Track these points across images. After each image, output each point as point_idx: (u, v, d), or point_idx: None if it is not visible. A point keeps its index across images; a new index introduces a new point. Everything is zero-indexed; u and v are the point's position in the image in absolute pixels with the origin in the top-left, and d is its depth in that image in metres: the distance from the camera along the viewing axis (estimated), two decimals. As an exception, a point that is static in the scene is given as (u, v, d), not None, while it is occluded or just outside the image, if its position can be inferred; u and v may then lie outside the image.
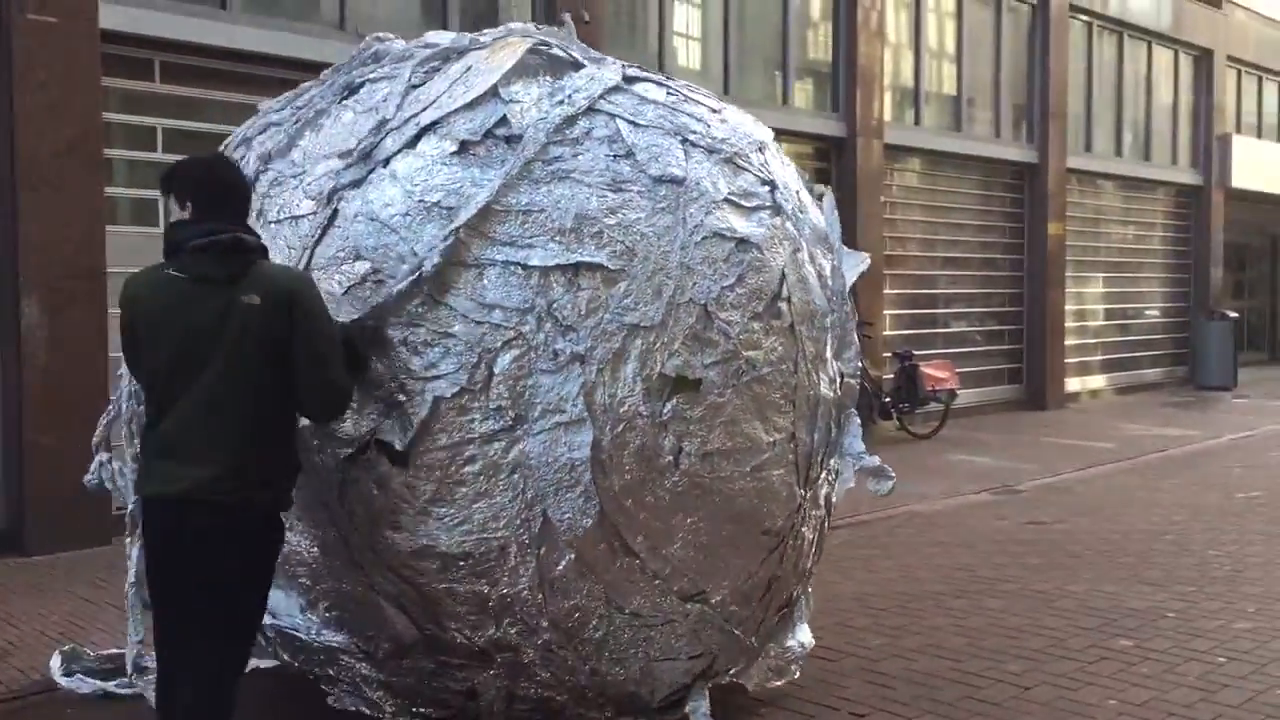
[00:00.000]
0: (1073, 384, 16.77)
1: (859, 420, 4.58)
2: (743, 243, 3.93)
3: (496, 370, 3.59)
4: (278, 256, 3.79)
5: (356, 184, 3.88)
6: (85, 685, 4.84)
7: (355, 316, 3.67)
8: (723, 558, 3.95)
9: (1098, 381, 17.62)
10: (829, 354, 4.32)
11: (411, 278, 3.61)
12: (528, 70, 4.09)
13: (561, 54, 4.24)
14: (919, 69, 14.47)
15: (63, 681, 4.86)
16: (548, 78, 4.09)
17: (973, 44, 15.20)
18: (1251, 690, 4.71)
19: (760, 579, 4.14)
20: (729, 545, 3.95)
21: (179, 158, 8.70)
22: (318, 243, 3.83)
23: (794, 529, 4.22)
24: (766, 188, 4.16)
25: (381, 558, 3.81)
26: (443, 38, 4.45)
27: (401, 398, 3.66)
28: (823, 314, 4.25)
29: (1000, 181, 15.74)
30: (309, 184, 4.00)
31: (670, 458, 3.72)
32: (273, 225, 4.01)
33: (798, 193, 4.42)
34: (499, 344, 3.59)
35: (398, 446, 3.66)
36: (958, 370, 13.52)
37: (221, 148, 4.64)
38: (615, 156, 3.85)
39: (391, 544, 3.76)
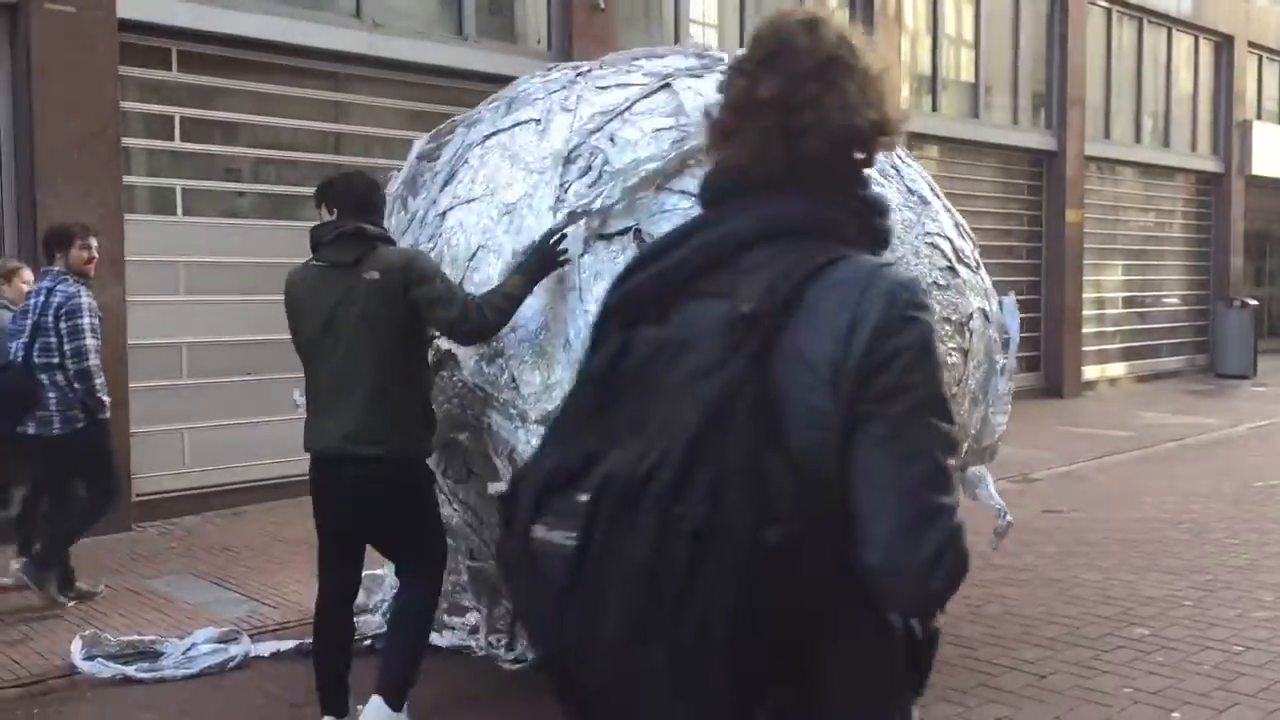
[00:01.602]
0: (1091, 372, 16.70)
1: (991, 478, 5.23)
2: (952, 269, 4.67)
3: None
4: (584, 111, 4.32)
5: (695, 75, 4.45)
6: (106, 669, 4.89)
7: (654, 156, 4.07)
8: None
9: (1116, 369, 17.54)
10: (980, 407, 4.86)
11: None
12: None
13: None
14: (936, 56, 14.41)
15: (83, 666, 4.91)
16: None
17: (991, 30, 15.12)
18: (1268, 679, 4.70)
19: None
20: None
21: (196, 146, 8.77)
22: (645, 97, 4.34)
23: None
24: (975, 261, 5.02)
25: None
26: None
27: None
28: (987, 371, 4.85)
29: (1018, 169, 15.67)
30: (646, 70, 4.55)
31: None
32: (596, 88, 4.48)
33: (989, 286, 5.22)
34: None
35: None
36: (975, 358, 13.47)
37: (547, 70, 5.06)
38: (886, 165, 4.64)
39: None
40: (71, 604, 5.87)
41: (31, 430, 5.72)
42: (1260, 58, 20.52)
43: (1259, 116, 20.35)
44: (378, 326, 3.82)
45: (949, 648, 5.13)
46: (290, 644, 5.15)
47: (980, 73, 15.02)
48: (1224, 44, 19.34)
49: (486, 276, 4.17)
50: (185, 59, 8.15)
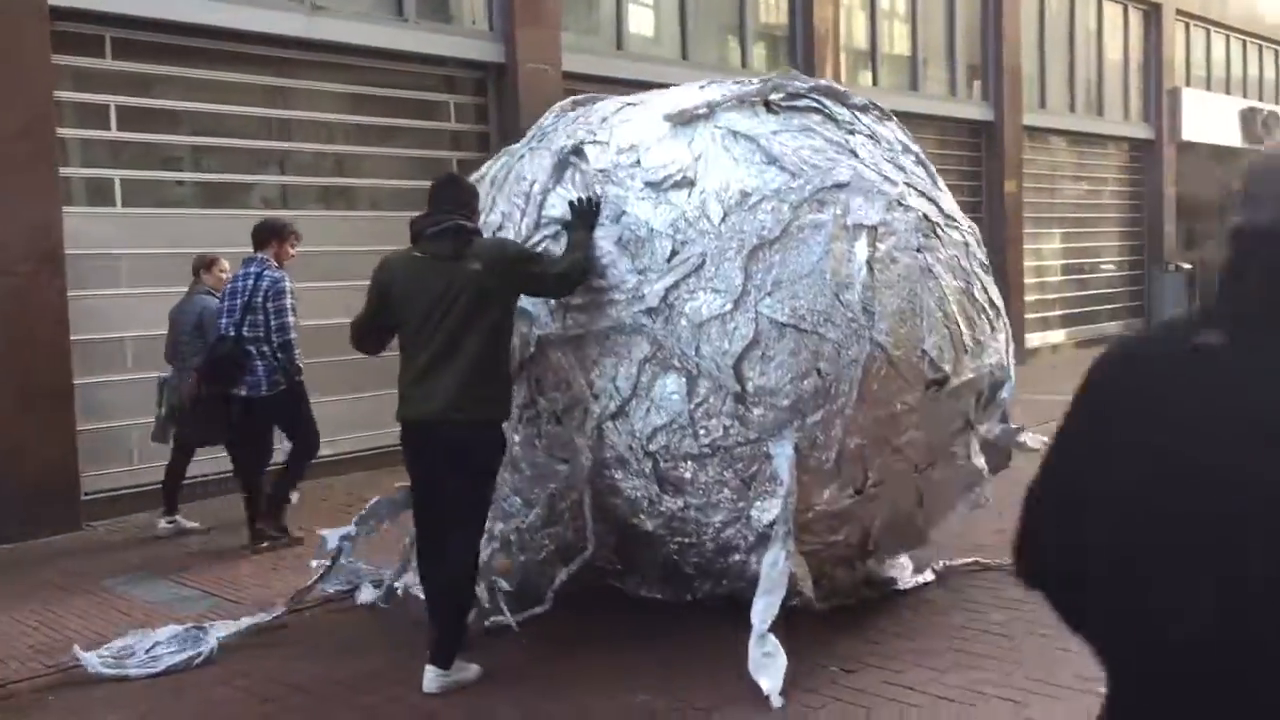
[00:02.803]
0: (1033, 339, 16.90)
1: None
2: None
3: None
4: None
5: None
6: (90, 663, 4.83)
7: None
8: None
9: (1057, 336, 17.79)
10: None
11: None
12: None
13: None
14: (874, 30, 14.47)
15: (84, 658, 4.84)
16: None
17: (926, 3, 15.21)
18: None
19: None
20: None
21: (134, 135, 8.51)
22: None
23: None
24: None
25: None
26: None
27: None
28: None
29: (956, 140, 15.79)
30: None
31: None
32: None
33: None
34: None
35: None
36: (921, 329, 13.56)
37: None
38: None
39: None
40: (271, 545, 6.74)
41: (243, 392, 6.70)
42: (1188, 25, 20.84)
43: (1188, 83, 20.69)
44: (477, 314, 4.41)
45: (916, 612, 5.18)
46: (265, 616, 5.31)
47: (917, 45, 15.11)
48: (1152, 12, 19.62)
49: (627, 116, 5.18)
50: (120, 46, 7.95)
